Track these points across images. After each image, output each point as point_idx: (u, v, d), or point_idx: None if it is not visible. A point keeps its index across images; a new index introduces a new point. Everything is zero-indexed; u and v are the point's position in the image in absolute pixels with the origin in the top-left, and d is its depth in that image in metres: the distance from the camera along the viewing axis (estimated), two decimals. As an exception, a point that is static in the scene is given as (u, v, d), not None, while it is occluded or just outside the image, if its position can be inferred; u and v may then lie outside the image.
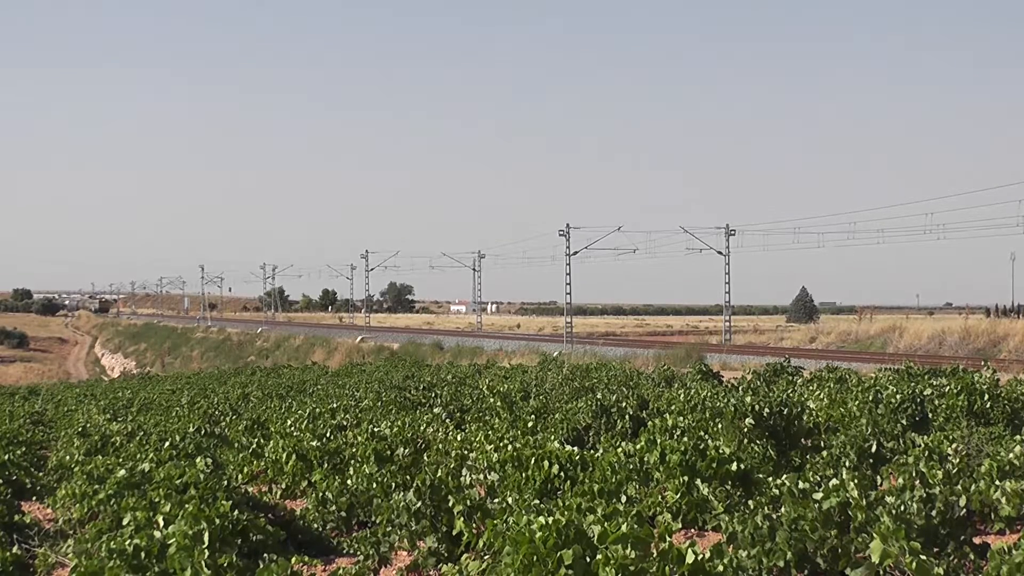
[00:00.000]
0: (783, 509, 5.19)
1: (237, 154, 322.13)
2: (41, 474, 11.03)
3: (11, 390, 34.87)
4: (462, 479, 7.76)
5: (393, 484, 7.38)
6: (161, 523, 6.02)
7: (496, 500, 6.80)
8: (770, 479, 6.68)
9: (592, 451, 8.73)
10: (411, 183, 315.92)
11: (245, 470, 10.39)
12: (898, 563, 4.41)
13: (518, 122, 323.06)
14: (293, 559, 5.65)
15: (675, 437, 8.00)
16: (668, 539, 4.36)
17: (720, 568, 4.29)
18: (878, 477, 6.15)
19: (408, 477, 7.49)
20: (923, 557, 4.28)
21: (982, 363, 14.07)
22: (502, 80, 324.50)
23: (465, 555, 5.76)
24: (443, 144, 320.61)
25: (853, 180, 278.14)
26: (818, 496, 5.09)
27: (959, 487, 5.53)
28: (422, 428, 11.16)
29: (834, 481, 5.22)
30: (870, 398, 10.38)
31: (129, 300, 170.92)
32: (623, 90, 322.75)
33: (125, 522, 6.35)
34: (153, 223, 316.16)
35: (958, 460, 6.52)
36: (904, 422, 9.50)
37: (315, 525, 7.38)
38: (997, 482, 5.97)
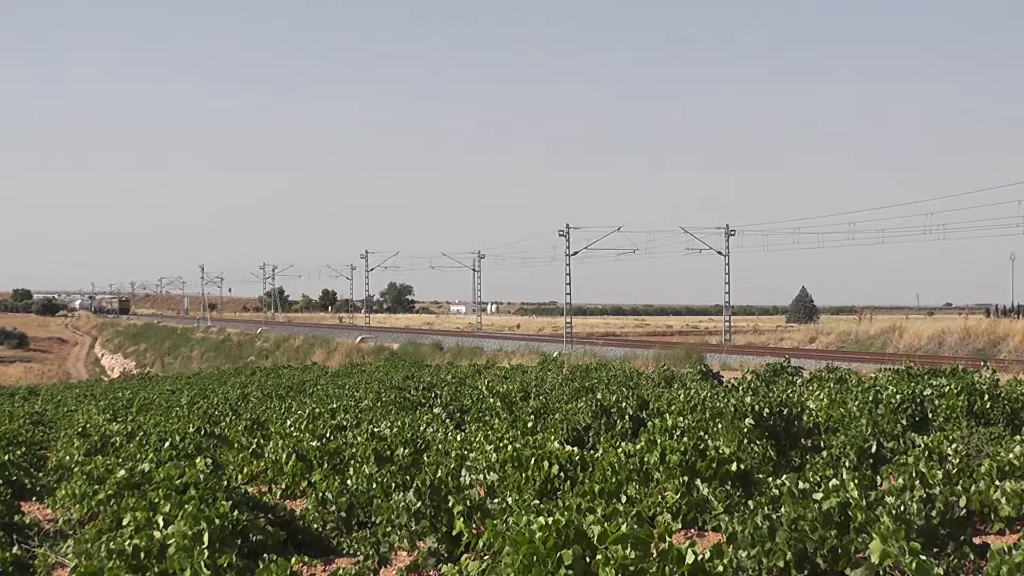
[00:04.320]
0: (783, 509, 5.19)
1: (237, 154, 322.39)
2: (41, 474, 11.03)
3: (11, 390, 34.88)
4: (462, 479, 7.76)
5: (393, 484, 7.38)
6: (161, 523, 6.02)
7: (496, 500, 6.81)
8: (770, 479, 6.68)
9: (592, 451, 8.74)
10: (411, 183, 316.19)
11: (245, 470, 10.40)
12: (898, 563, 4.41)
13: (518, 122, 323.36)
14: (293, 559, 5.65)
15: (675, 437, 8.01)
16: (668, 539, 4.36)
17: (720, 568, 4.29)
18: (878, 477, 6.17)
19: (408, 477, 7.49)
20: (923, 557, 4.28)
21: (982, 363, 14.07)
22: (502, 80, 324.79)
23: (465, 555, 5.76)
24: (443, 144, 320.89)
25: (853, 180, 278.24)
26: (818, 496, 5.09)
27: (959, 487, 5.54)
28: (422, 428, 11.17)
29: (834, 481, 5.22)
30: (870, 398, 10.38)
31: (129, 300, 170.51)
32: (623, 90, 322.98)
33: (125, 522, 6.35)
34: (153, 223, 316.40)
35: (958, 460, 6.52)
36: (904, 422, 9.50)
37: (315, 525, 7.38)
38: (997, 482, 5.97)
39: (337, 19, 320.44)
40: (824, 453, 8.24)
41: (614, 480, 7.19)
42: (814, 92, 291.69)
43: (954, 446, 7.47)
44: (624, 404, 11.00)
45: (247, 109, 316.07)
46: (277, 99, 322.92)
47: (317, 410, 14.33)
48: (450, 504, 6.30)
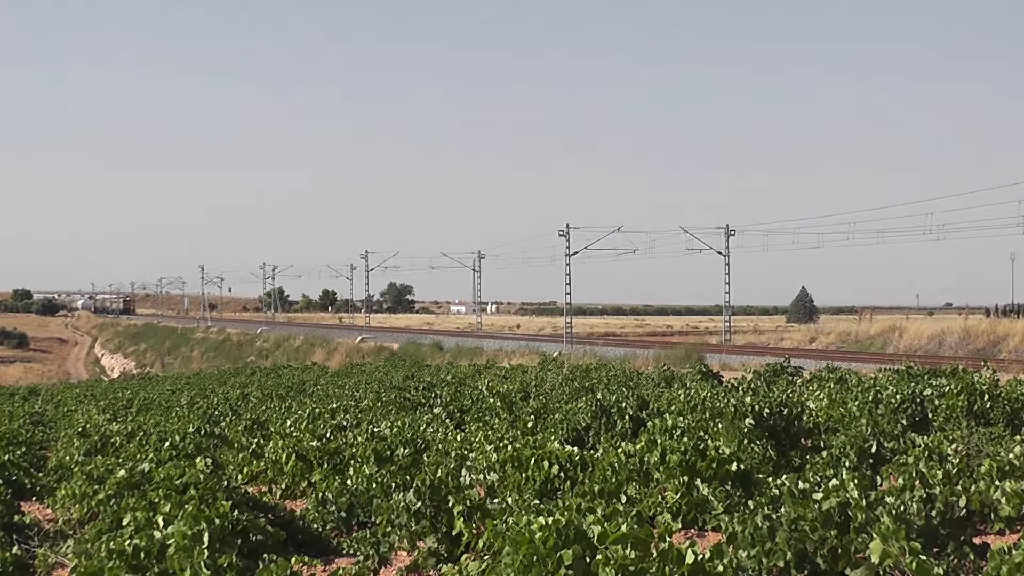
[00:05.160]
0: (783, 509, 5.19)
1: (237, 154, 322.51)
2: (41, 474, 11.03)
3: (11, 390, 34.87)
4: (462, 479, 7.76)
5: (393, 484, 7.38)
6: (161, 523, 6.02)
7: (496, 500, 6.81)
8: (770, 479, 6.68)
9: (592, 451, 8.73)
10: (411, 183, 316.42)
11: (245, 470, 10.39)
12: (898, 563, 4.41)
13: (519, 122, 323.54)
14: (293, 559, 5.65)
15: (675, 437, 8.01)
16: (668, 539, 4.36)
17: (720, 568, 4.29)
18: (878, 477, 6.16)
19: (408, 477, 7.48)
20: (923, 557, 4.27)
21: (982, 363, 14.07)
22: (503, 80, 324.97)
23: (465, 555, 5.76)
24: (443, 144, 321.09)
25: (853, 180, 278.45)
26: (818, 496, 5.09)
27: (959, 487, 5.53)
28: (422, 428, 11.17)
29: (834, 481, 5.22)
30: (870, 398, 10.38)
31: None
32: (623, 90, 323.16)
33: (125, 522, 6.35)
34: (153, 223, 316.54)
35: (958, 460, 6.52)
36: (904, 422, 9.50)
37: (315, 525, 7.38)
38: (997, 482, 5.97)
39: (338, 19, 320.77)
40: (824, 453, 8.24)
41: (614, 480, 7.19)
42: (814, 92, 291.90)
43: (954, 446, 7.47)
44: (624, 404, 10.99)
45: (247, 109, 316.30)
46: (278, 99, 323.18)
47: (317, 410, 14.32)
48: (450, 504, 6.30)
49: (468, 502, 6.24)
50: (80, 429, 14.43)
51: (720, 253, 49.11)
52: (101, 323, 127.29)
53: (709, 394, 11.58)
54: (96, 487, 8.00)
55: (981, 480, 5.99)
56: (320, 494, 7.73)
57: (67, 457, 11.74)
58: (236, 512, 6.13)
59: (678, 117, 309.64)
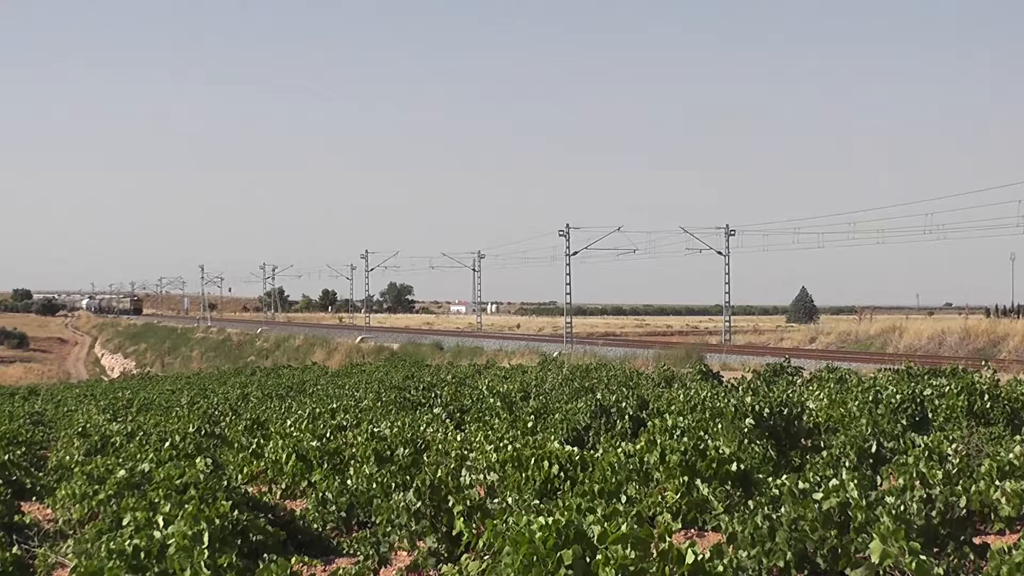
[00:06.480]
0: (783, 509, 5.19)
1: (237, 154, 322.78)
2: (41, 474, 11.02)
3: (11, 390, 34.84)
4: (462, 479, 7.75)
5: (393, 484, 7.38)
6: (161, 523, 6.02)
7: (496, 500, 6.80)
8: (770, 479, 6.68)
9: (592, 451, 8.73)
10: (411, 183, 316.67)
11: (245, 470, 10.39)
12: (898, 563, 4.41)
13: (518, 122, 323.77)
14: (293, 559, 5.65)
15: (675, 437, 8.00)
16: (668, 539, 4.36)
17: (720, 568, 4.29)
18: (878, 477, 6.17)
19: (408, 477, 7.48)
20: (923, 557, 4.28)
21: (982, 363, 14.07)
22: (502, 79, 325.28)
23: (465, 555, 5.76)
24: (443, 144, 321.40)
25: (853, 180, 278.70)
26: (818, 496, 5.09)
27: (959, 487, 5.53)
28: (422, 428, 11.17)
29: (834, 481, 5.22)
30: (870, 398, 10.38)
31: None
32: (623, 89, 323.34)
33: (125, 522, 6.34)
34: (153, 223, 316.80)
35: (958, 460, 6.52)
36: (904, 422, 9.50)
37: (315, 525, 7.38)
38: (997, 482, 5.97)
39: (337, 18, 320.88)
40: (824, 453, 8.24)
41: (614, 480, 7.19)
42: (815, 92, 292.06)
43: (954, 446, 7.48)
44: (624, 404, 10.99)
45: (247, 109, 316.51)
46: (277, 99, 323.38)
47: (317, 410, 14.32)
48: (450, 504, 6.30)
49: (468, 502, 6.23)
50: (80, 429, 14.41)
51: (720, 253, 49.12)
52: (101, 323, 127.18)
53: (709, 394, 11.58)
54: (96, 487, 7.99)
55: (981, 480, 5.99)
56: (320, 494, 7.73)
57: (67, 457, 11.74)
58: (236, 512, 6.13)
59: (678, 117, 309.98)
